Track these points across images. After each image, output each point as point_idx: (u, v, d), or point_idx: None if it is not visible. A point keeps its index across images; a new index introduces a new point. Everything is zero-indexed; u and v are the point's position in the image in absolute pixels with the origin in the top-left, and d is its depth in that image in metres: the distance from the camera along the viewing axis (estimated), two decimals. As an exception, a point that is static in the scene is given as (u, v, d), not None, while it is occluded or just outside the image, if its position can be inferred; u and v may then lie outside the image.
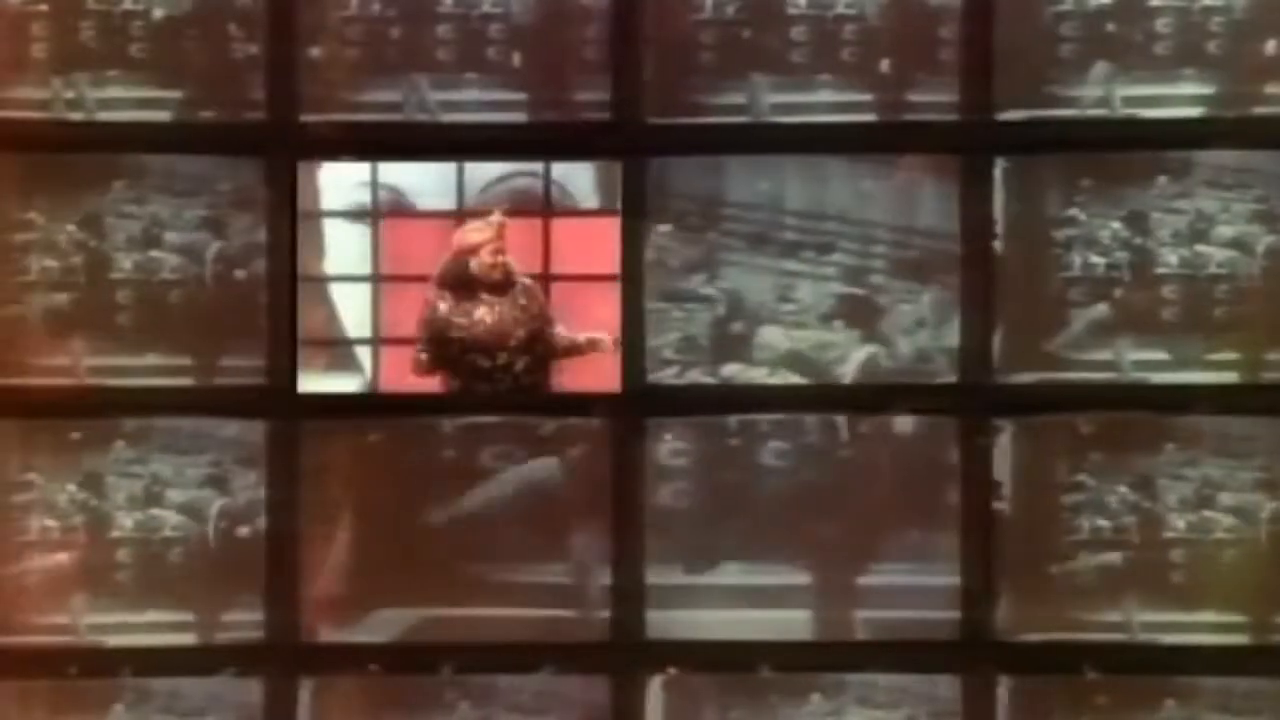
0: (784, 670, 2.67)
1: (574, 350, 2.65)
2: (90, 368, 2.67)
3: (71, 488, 2.68)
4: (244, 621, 2.67)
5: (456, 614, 2.69)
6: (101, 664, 2.66)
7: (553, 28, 2.67)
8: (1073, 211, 2.66)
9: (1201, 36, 2.63)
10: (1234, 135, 2.63)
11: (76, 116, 2.66)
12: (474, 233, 2.65)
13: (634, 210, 2.66)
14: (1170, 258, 2.65)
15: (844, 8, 2.66)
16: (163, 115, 2.66)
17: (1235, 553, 2.65)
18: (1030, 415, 2.65)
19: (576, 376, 2.67)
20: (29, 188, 2.66)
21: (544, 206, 2.68)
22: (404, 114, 2.67)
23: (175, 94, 2.66)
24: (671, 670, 2.67)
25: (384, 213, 2.69)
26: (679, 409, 2.68)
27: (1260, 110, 2.63)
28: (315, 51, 2.67)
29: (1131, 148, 2.64)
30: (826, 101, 2.66)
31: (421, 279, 2.67)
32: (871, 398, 2.68)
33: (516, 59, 2.68)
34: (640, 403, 2.67)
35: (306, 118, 2.66)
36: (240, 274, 2.67)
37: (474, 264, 2.64)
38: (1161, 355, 2.65)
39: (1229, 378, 2.64)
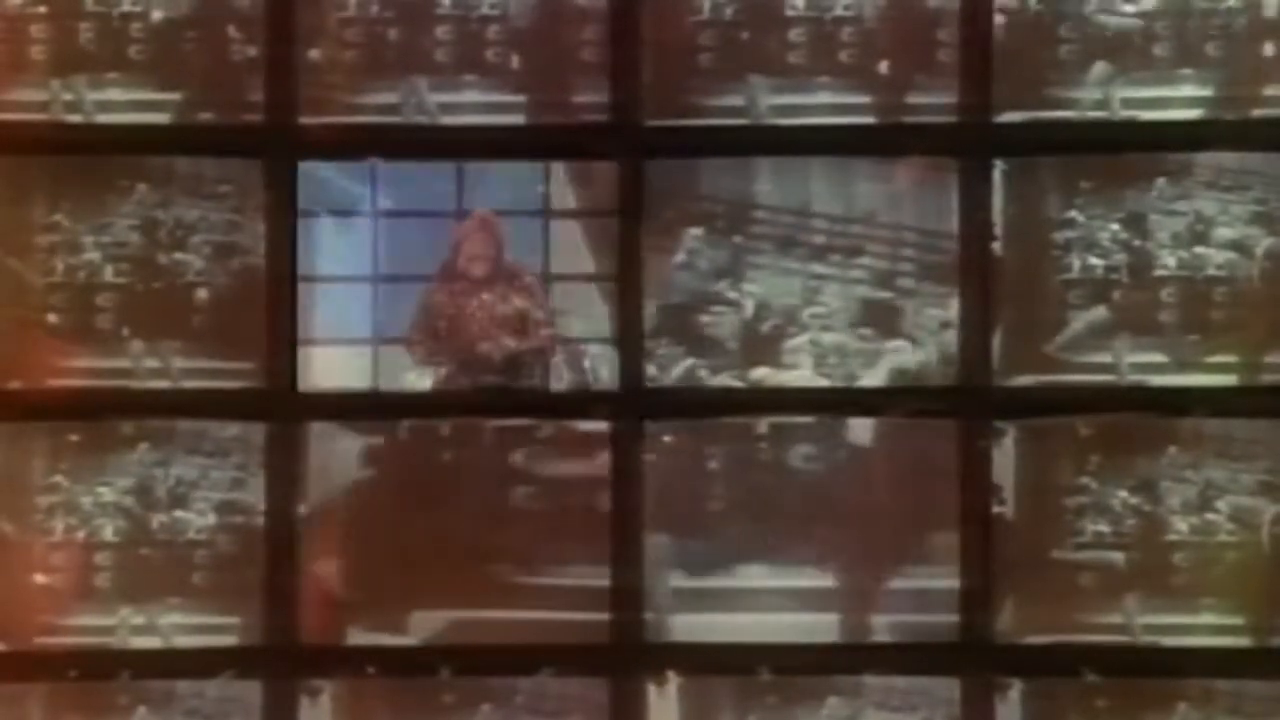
0: (783, 673, 2.66)
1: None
2: (88, 370, 2.68)
3: (69, 489, 2.68)
4: (243, 624, 2.67)
5: (456, 617, 2.69)
6: (101, 667, 2.66)
7: (551, 30, 2.68)
8: (1072, 214, 2.65)
9: (1200, 39, 2.63)
10: (1233, 137, 2.63)
11: (76, 119, 2.66)
12: (461, 228, 2.65)
13: (632, 212, 2.66)
14: (1169, 260, 2.65)
15: (842, 10, 2.66)
16: (163, 117, 2.66)
17: (1236, 555, 2.64)
18: (1030, 418, 2.65)
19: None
20: (28, 191, 2.67)
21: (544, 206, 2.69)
22: (403, 116, 2.67)
23: (175, 96, 2.67)
24: (671, 673, 2.67)
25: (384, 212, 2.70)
26: (678, 411, 2.68)
27: (1259, 112, 2.63)
28: (314, 54, 2.67)
29: (1130, 150, 2.64)
30: (825, 103, 2.66)
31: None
32: (872, 400, 2.67)
33: (515, 61, 2.68)
34: (638, 404, 2.67)
35: (305, 119, 2.66)
36: (241, 277, 2.68)
37: (461, 258, 2.64)
38: (1161, 358, 2.65)
39: (1228, 380, 2.64)
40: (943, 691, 2.66)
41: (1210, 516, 2.64)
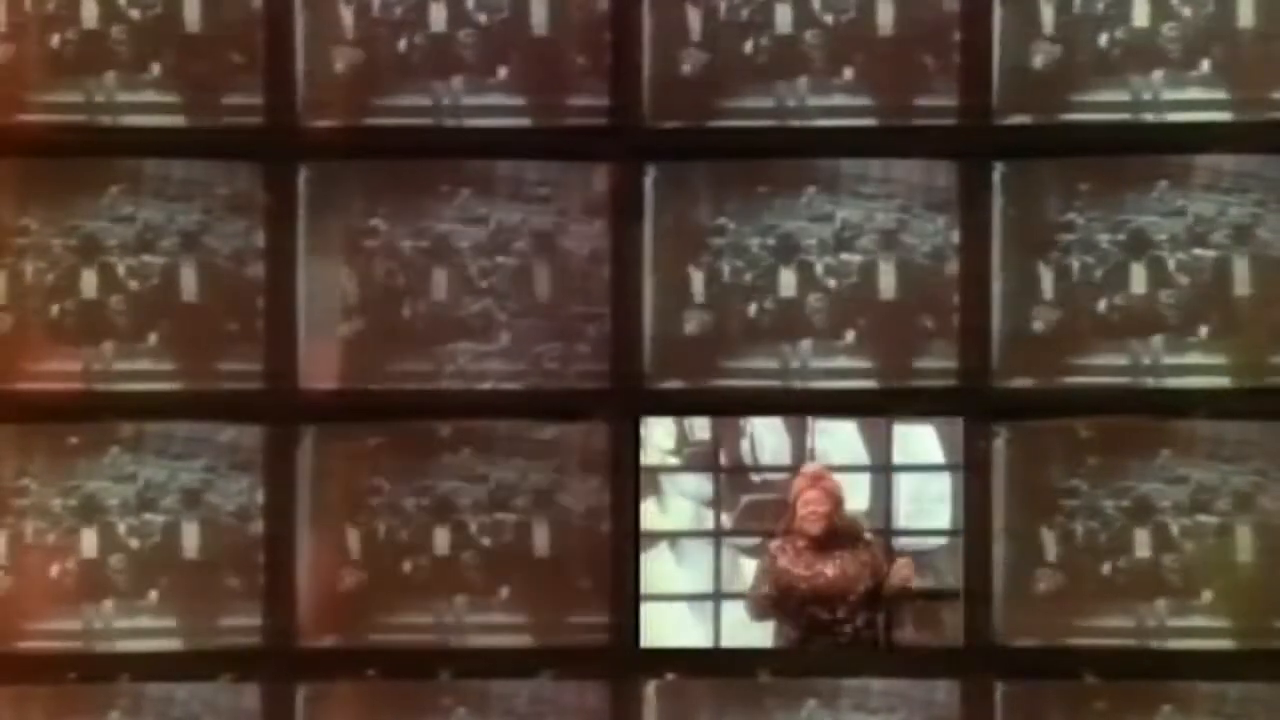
0: (782, 675, 2.67)
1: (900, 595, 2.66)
2: (88, 372, 2.68)
3: (68, 492, 2.68)
4: (241, 626, 2.68)
5: (454, 619, 2.70)
6: (100, 669, 2.67)
7: (554, 33, 2.67)
8: (1071, 216, 2.66)
9: (1203, 42, 2.64)
10: (1233, 140, 2.63)
11: (77, 121, 2.66)
12: (796, 484, 2.66)
13: (632, 215, 2.66)
14: (1168, 262, 2.65)
15: (844, 14, 2.66)
16: (163, 120, 2.66)
17: (1232, 557, 2.65)
18: (1029, 420, 2.65)
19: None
20: (26, 192, 2.67)
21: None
22: (405, 118, 2.67)
23: (176, 98, 2.66)
24: (669, 675, 2.68)
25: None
26: (674, 411, 2.68)
27: (1259, 115, 2.63)
28: (315, 57, 2.67)
29: (1131, 152, 2.64)
30: (826, 106, 2.66)
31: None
32: (870, 401, 2.68)
33: (517, 64, 2.68)
34: (635, 405, 2.67)
35: (306, 122, 2.66)
36: (242, 279, 2.68)
37: (798, 517, 2.65)
38: (1159, 360, 2.65)
39: (1226, 382, 2.64)
40: (919, 693, 2.67)
41: (1205, 518, 2.65)
